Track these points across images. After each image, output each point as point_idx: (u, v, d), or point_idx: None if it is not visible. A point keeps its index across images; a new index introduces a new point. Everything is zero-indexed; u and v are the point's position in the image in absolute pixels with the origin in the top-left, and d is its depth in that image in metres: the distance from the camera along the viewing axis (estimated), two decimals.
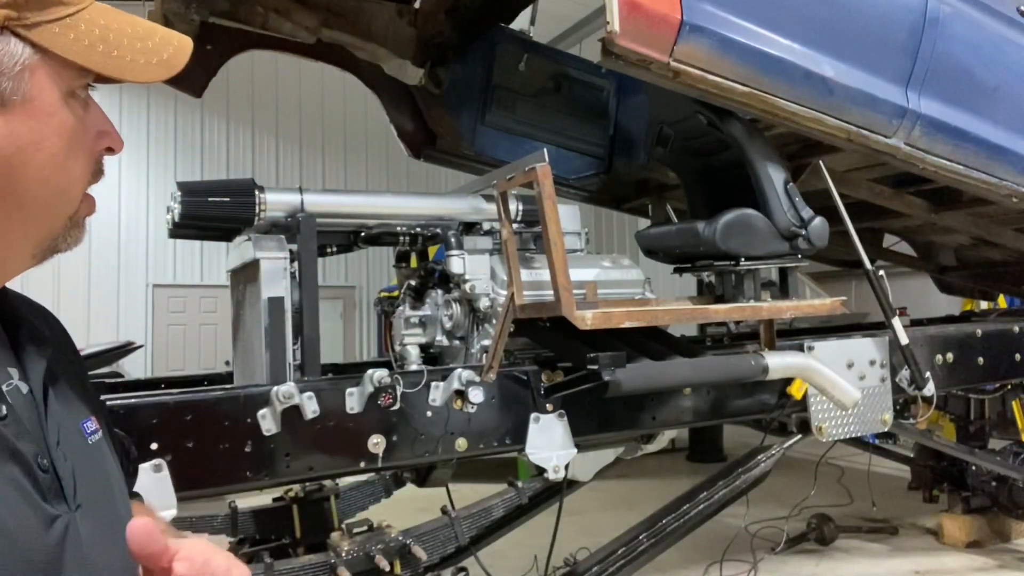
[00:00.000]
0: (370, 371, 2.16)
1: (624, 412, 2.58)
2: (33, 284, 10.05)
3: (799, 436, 2.99)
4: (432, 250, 2.74)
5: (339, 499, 3.16)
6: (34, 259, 0.78)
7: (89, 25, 0.73)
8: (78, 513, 0.75)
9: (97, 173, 0.79)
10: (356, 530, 2.67)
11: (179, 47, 0.81)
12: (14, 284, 0.84)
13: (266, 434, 1.99)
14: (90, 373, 0.97)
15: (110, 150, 0.78)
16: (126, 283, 10.38)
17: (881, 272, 3.08)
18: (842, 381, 2.67)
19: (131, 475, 1.03)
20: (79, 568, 0.73)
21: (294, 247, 2.26)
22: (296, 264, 2.25)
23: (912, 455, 5.43)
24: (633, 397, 2.51)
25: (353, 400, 2.14)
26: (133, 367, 8.85)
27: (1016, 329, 3.58)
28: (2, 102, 0.70)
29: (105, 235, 10.10)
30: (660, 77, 2.33)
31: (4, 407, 0.71)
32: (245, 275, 2.39)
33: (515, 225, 2.60)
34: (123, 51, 0.75)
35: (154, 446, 1.87)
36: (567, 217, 2.68)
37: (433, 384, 2.25)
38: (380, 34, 2.95)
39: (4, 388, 0.73)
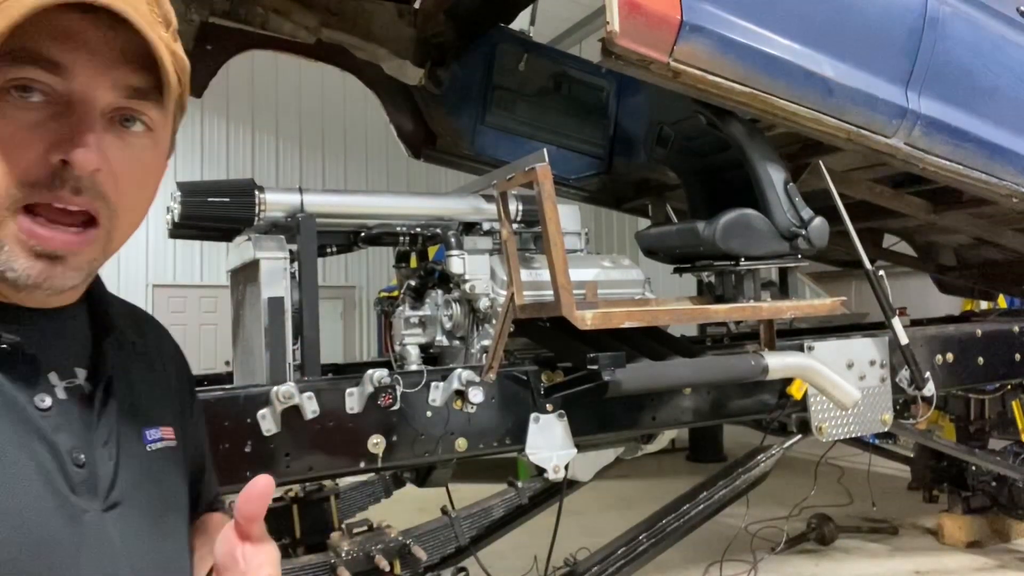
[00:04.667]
0: (370, 371, 2.16)
1: (624, 412, 2.58)
2: None
3: (799, 436, 2.99)
4: (432, 250, 2.74)
5: (339, 499, 3.16)
6: None
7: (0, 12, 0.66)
8: (111, 512, 0.77)
9: (44, 186, 0.70)
10: (356, 530, 2.67)
11: None
12: None
13: (266, 434, 1.99)
14: None
15: (65, 163, 0.69)
16: (126, 283, 10.38)
17: (881, 272, 3.08)
18: (842, 381, 2.67)
19: (201, 495, 1.04)
20: (98, 565, 0.74)
21: (294, 247, 2.26)
22: (296, 264, 2.25)
23: (912, 455, 5.44)
24: (633, 397, 2.51)
25: (353, 400, 2.13)
26: None
27: (1016, 329, 3.58)
28: None
29: None
30: (660, 77, 2.33)
31: (50, 400, 0.74)
32: (245, 275, 2.39)
33: (515, 225, 2.60)
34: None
35: None
36: (567, 217, 2.68)
37: (433, 384, 2.25)
38: (380, 34, 2.95)
39: (64, 384, 0.76)
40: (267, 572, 0.81)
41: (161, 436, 0.86)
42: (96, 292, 0.85)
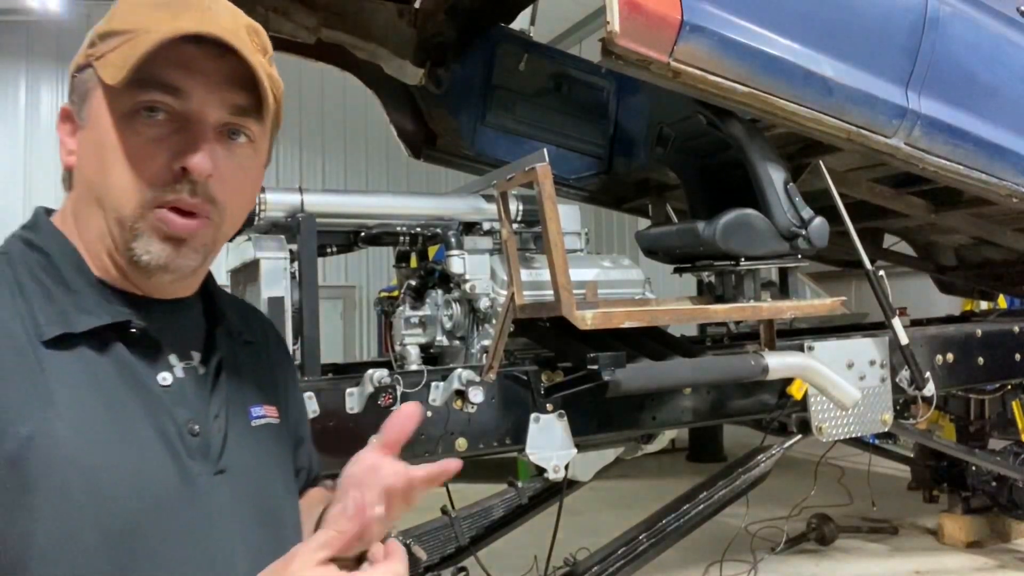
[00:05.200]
0: (370, 371, 2.16)
1: (624, 412, 2.58)
2: None
3: (799, 436, 2.99)
4: (432, 250, 2.74)
5: None
6: (127, 262, 0.86)
7: (127, 47, 0.81)
8: (220, 476, 0.88)
9: (169, 187, 0.84)
10: None
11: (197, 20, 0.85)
12: None
13: None
14: None
15: (185, 170, 0.84)
16: None
17: (881, 272, 3.08)
18: (842, 381, 2.67)
19: (302, 469, 1.16)
20: (208, 519, 0.85)
21: (294, 247, 2.26)
22: (296, 264, 2.25)
23: (912, 455, 5.43)
24: (633, 397, 2.51)
25: (353, 400, 2.14)
26: None
27: (1016, 329, 3.58)
28: (81, 120, 0.88)
29: None
30: (660, 77, 2.33)
31: (171, 378, 0.88)
32: (245, 275, 2.39)
33: (515, 225, 2.60)
34: (132, 57, 0.81)
35: None
36: (567, 217, 2.68)
37: (433, 384, 2.26)
38: (380, 34, 2.95)
39: (182, 365, 0.90)
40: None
41: (264, 414, 0.98)
42: (210, 289, 1.00)
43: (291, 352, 2.14)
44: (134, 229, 0.84)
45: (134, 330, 0.86)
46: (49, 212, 0.94)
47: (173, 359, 0.90)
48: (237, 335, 1.00)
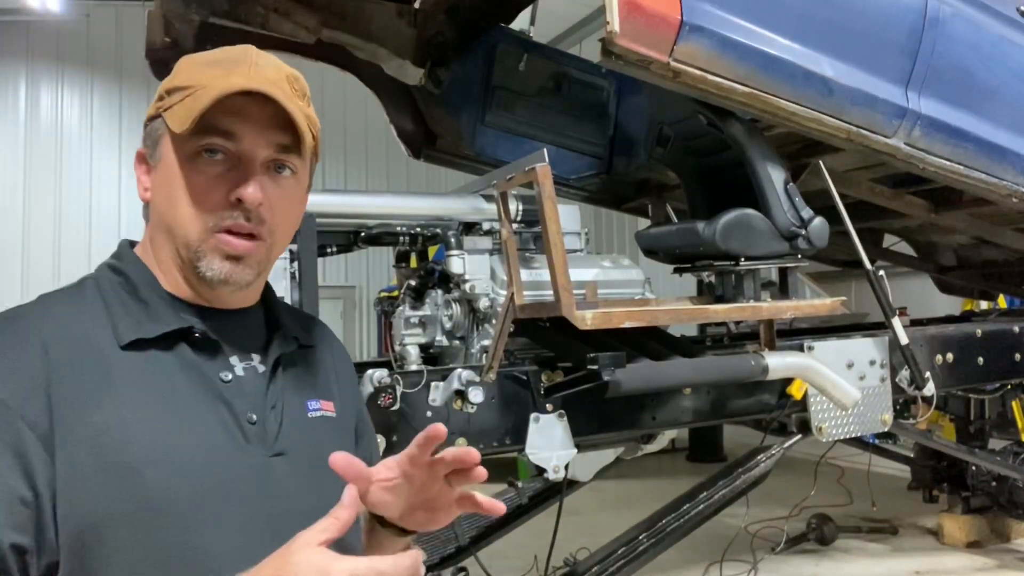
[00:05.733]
0: (370, 371, 2.16)
1: (624, 412, 2.58)
2: (34, 283, 10.05)
3: (799, 436, 2.99)
4: (432, 250, 2.74)
5: None
6: (196, 278, 1.03)
7: (190, 100, 0.98)
8: (276, 459, 1.02)
9: (228, 215, 1.01)
10: None
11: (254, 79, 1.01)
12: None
13: None
14: None
15: (239, 200, 1.00)
16: None
17: (881, 272, 3.08)
18: (842, 381, 2.67)
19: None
20: (265, 493, 0.99)
21: (294, 247, 2.26)
22: (296, 264, 2.25)
23: (912, 455, 5.43)
24: (633, 397, 2.51)
25: None
26: None
27: (1016, 329, 3.58)
28: (154, 162, 1.04)
29: (105, 234, 10.10)
30: (660, 77, 2.33)
31: (231, 375, 1.03)
32: None
33: (515, 225, 2.60)
34: (195, 110, 0.96)
35: None
36: (567, 217, 2.68)
37: (433, 384, 2.25)
38: (380, 34, 2.94)
39: (241, 365, 1.05)
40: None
41: (321, 407, 1.13)
42: (270, 300, 1.16)
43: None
44: (199, 251, 1.01)
45: (197, 334, 1.02)
46: (132, 244, 1.10)
47: (234, 359, 1.05)
48: (293, 340, 1.14)
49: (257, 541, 0.91)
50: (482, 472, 0.99)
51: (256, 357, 1.09)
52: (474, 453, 0.98)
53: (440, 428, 0.97)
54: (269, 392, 1.06)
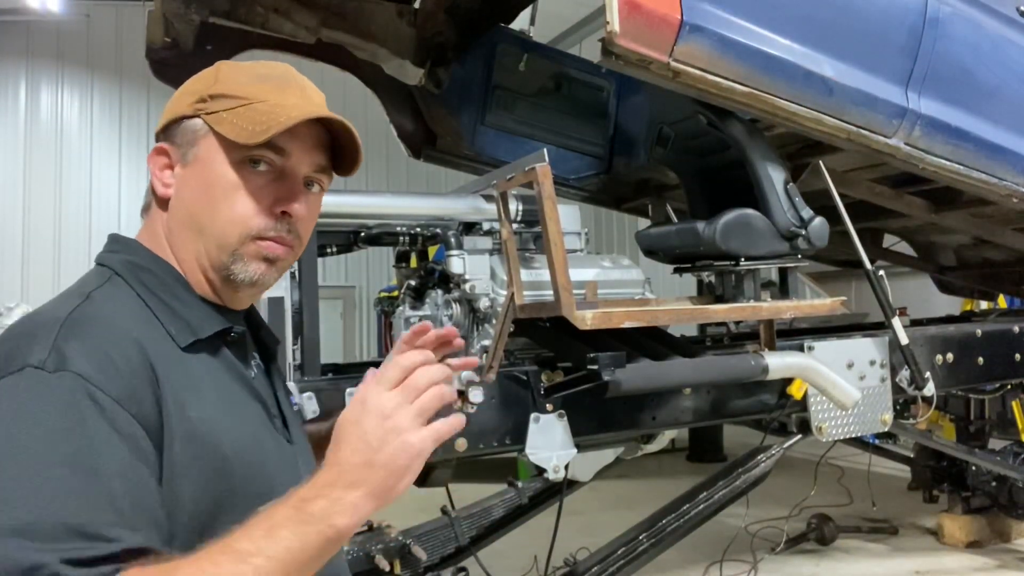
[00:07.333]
0: (370, 371, 2.15)
1: (624, 412, 2.58)
2: (33, 282, 10.06)
3: (799, 436, 2.99)
4: (432, 250, 2.74)
5: None
6: (221, 279, 1.07)
7: (249, 112, 1.02)
8: (292, 447, 1.13)
9: (271, 225, 1.06)
10: (356, 530, 2.67)
11: (316, 106, 1.07)
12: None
13: None
14: None
15: (285, 213, 1.06)
16: None
17: (881, 272, 3.08)
18: (842, 381, 2.67)
19: None
20: (294, 478, 1.00)
21: None
22: (296, 264, 2.25)
23: (912, 455, 5.43)
24: (633, 397, 2.50)
25: None
26: None
27: (1016, 329, 3.58)
28: (184, 160, 1.06)
29: (105, 234, 10.06)
30: (660, 77, 2.33)
31: (254, 372, 1.12)
32: None
33: (515, 225, 2.60)
34: (267, 126, 1.01)
35: None
36: (567, 217, 2.67)
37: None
38: (380, 34, 2.95)
39: (255, 362, 1.15)
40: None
41: (296, 402, 1.26)
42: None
43: (291, 352, 2.16)
44: (235, 253, 1.05)
45: (233, 334, 1.08)
46: (120, 237, 1.12)
47: (254, 357, 1.15)
48: (272, 340, 1.24)
49: None
50: (461, 342, 1.12)
51: (256, 356, 1.17)
52: (453, 330, 1.10)
53: (426, 324, 1.09)
54: (275, 388, 1.17)
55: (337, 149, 1.13)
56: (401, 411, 0.92)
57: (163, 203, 1.09)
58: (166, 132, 1.09)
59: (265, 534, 0.84)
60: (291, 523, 0.85)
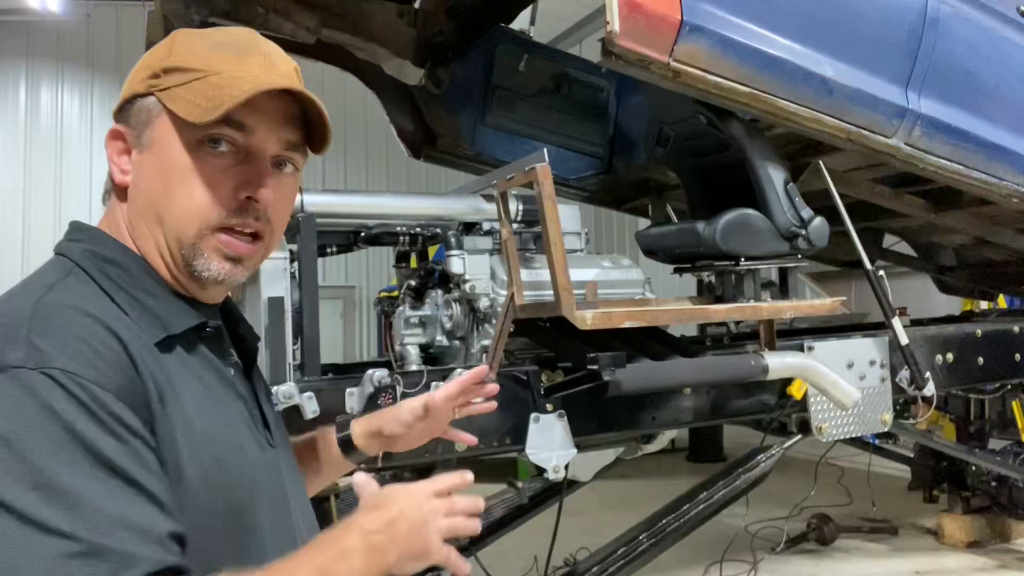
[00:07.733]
0: (370, 371, 2.16)
1: (624, 412, 2.58)
2: None
3: (799, 436, 2.99)
4: (432, 250, 2.74)
5: (339, 499, 3.16)
6: (185, 275, 0.96)
7: (203, 86, 0.91)
8: (273, 449, 1.05)
9: (234, 213, 0.95)
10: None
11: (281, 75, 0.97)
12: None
13: None
14: None
15: (250, 199, 0.95)
16: None
17: (881, 272, 3.08)
18: (842, 381, 2.67)
19: None
20: (279, 480, 1.02)
21: (294, 247, 2.26)
22: (296, 264, 2.25)
23: (912, 455, 5.43)
24: (633, 397, 2.51)
25: (353, 400, 2.13)
26: None
27: (1016, 329, 3.58)
28: (140, 144, 0.96)
29: None
30: (660, 77, 2.33)
31: (232, 369, 1.04)
32: None
33: (515, 225, 2.60)
34: (220, 101, 0.90)
35: None
36: (567, 217, 2.68)
37: (433, 384, 2.25)
38: (380, 34, 2.95)
39: (232, 359, 1.06)
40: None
41: (277, 401, 1.25)
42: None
43: (291, 352, 2.16)
44: (195, 247, 0.94)
45: (209, 329, 0.99)
46: (83, 225, 1.01)
47: (231, 353, 1.07)
48: (252, 335, 1.15)
49: (286, 524, 1.01)
50: (494, 387, 1.20)
51: (233, 352, 1.08)
52: (484, 368, 1.17)
53: (484, 369, 1.17)
54: (256, 386, 1.09)
55: (310, 124, 1.02)
56: (436, 518, 0.92)
57: (122, 192, 0.98)
58: (122, 113, 0.98)
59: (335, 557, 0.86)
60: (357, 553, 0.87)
